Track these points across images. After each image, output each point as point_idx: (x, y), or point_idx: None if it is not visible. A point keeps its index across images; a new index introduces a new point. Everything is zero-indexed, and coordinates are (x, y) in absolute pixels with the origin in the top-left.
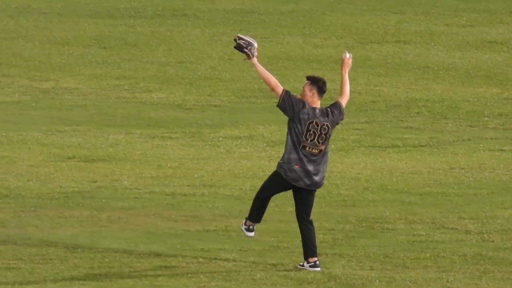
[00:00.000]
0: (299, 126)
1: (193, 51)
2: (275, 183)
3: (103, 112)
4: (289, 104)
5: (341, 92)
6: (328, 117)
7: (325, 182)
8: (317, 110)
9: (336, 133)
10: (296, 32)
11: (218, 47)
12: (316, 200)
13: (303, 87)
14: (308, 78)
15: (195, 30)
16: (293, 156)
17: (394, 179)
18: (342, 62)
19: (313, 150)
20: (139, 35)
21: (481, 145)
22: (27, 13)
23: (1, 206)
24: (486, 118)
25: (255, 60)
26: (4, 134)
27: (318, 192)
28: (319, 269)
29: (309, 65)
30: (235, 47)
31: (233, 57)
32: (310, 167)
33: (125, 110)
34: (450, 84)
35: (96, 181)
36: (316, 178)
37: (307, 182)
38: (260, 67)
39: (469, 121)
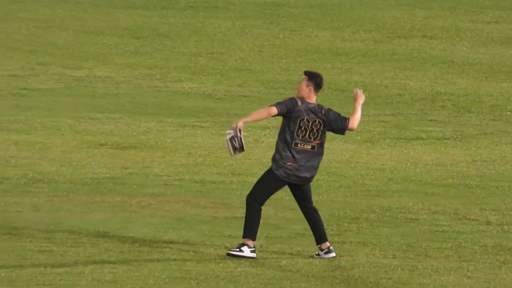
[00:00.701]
0: (291, 124)
1: (224, 43)
2: (269, 182)
3: (135, 100)
4: (286, 111)
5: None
6: (320, 114)
7: (351, 172)
8: (310, 106)
9: (363, 125)
10: (325, 26)
11: (248, 39)
12: (341, 189)
13: (300, 82)
14: (306, 73)
15: (226, 22)
16: (285, 154)
17: (418, 171)
18: (355, 97)
19: (305, 146)
20: (172, 26)
21: (504, 139)
22: (63, 2)
23: (34, 190)
24: (509, 112)
25: (241, 124)
26: (38, 120)
27: (344, 182)
28: (334, 254)
29: (337, 58)
30: (240, 147)
31: (262, 49)
32: (302, 164)
33: (157, 99)
34: (474, 78)
35: (127, 168)
36: (307, 174)
37: (297, 178)
38: (249, 117)
39: (492, 115)
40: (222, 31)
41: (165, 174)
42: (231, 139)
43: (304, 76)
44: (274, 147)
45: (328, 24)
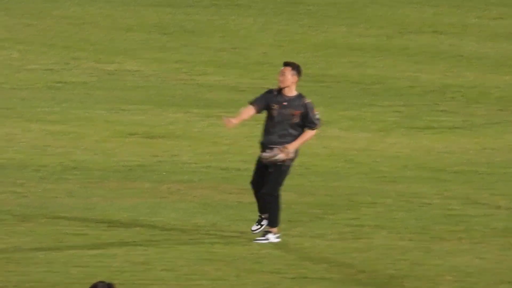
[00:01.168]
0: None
1: (246, 38)
2: (287, 175)
3: (163, 92)
4: None
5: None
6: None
7: (367, 159)
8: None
9: (377, 115)
10: (340, 22)
11: (269, 35)
12: (358, 176)
13: (283, 73)
14: (289, 64)
15: (248, 19)
16: None
17: (430, 158)
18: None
19: None
20: (197, 23)
21: (510, 128)
22: (94, 1)
23: (69, 177)
24: None
25: (291, 150)
26: (72, 111)
27: (361, 169)
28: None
29: (352, 52)
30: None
31: (282, 44)
32: None
33: (184, 91)
34: (481, 71)
35: (156, 156)
36: None
37: None
38: (299, 141)
39: (499, 106)
40: (245, 27)
41: (193, 161)
42: (276, 159)
43: (286, 67)
44: (288, 140)
45: (344, 21)
